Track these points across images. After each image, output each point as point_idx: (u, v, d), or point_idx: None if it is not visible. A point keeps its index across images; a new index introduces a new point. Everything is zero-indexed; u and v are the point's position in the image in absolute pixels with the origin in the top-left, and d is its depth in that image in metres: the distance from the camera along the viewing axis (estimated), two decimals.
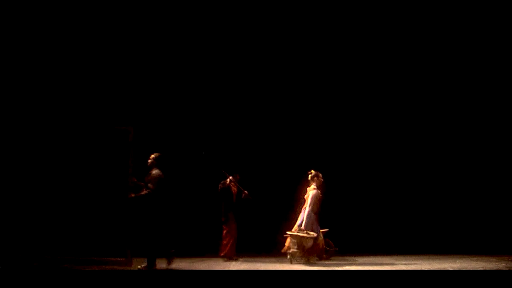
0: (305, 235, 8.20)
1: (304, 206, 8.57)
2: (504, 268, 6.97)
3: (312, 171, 8.68)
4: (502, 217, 11.05)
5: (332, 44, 11.82)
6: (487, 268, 7.00)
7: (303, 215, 8.43)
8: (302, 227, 8.28)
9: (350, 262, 8.46)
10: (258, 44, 11.70)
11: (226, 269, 7.42)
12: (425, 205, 11.60)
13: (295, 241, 8.26)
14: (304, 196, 8.69)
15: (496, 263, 7.68)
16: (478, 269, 6.96)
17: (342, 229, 10.10)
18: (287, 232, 8.49)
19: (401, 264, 8.06)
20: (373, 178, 11.67)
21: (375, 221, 11.43)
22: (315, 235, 8.25)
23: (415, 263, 8.06)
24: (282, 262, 8.42)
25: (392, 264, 8.08)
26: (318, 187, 8.59)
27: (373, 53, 11.89)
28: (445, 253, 9.67)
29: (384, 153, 11.94)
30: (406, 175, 11.72)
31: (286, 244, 8.56)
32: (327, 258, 8.86)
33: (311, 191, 8.51)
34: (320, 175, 8.65)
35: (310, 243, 8.19)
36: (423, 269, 7.04)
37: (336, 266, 7.67)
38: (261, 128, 11.78)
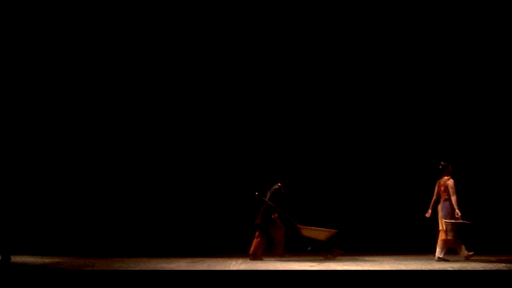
0: (466, 222, 8.40)
1: (444, 198, 8.73)
2: (504, 268, 6.95)
3: (442, 163, 8.89)
4: (502, 217, 11.06)
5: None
6: (487, 268, 7.00)
7: (449, 205, 8.59)
8: (458, 215, 8.44)
9: (350, 262, 8.44)
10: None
11: (226, 269, 7.40)
12: (425, 205, 11.59)
13: (455, 229, 8.33)
14: (440, 188, 8.85)
15: (496, 263, 7.68)
16: (478, 269, 6.95)
17: (342, 229, 10.09)
18: (445, 221, 8.54)
19: (401, 264, 8.06)
20: (372, 178, 11.68)
21: (375, 221, 11.44)
22: (471, 222, 8.43)
23: (415, 263, 8.05)
24: (283, 262, 8.41)
25: (392, 264, 8.08)
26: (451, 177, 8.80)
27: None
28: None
29: (383, 154, 11.95)
30: (405, 175, 11.72)
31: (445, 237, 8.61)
32: (331, 258, 8.91)
33: (448, 182, 8.72)
34: (450, 166, 8.88)
35: (467, 230, 8.37)
36: (423, 269, 7.03)
37: (336, 266, 7.66)
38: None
